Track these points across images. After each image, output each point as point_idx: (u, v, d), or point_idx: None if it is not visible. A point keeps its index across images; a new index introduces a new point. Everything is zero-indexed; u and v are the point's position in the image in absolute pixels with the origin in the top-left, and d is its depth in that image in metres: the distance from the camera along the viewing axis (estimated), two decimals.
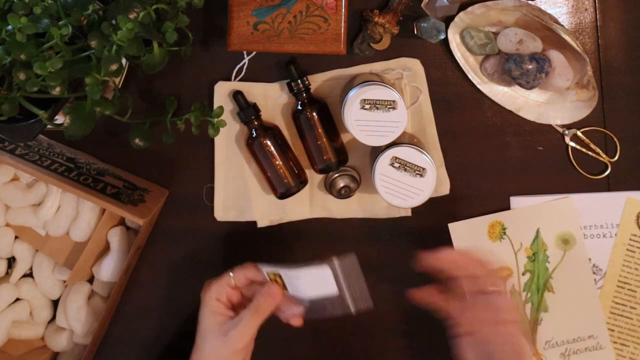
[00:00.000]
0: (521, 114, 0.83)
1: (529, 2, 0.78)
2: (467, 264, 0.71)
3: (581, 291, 0.85)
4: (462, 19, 0.79)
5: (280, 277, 0.72)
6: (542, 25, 0.77)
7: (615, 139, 0.85)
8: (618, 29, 0.84)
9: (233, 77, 0.84)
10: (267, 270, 0.73)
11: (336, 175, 0.82)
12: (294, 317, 0.74)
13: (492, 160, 0.85)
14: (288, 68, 0.80)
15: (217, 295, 0.74)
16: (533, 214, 0.85)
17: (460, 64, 0.82)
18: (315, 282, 0.71)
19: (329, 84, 0.83)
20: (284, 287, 0.73)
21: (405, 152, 0.76)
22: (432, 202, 0.83)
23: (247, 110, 0.80)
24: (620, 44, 0.84)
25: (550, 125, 0.84)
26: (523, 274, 0.85)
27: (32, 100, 0.67)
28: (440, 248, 0.71)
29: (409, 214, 0.85)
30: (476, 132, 0.85)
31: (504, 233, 0.85)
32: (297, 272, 0.71)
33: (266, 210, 0.84)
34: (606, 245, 0.85)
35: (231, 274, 0.75)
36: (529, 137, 0.85)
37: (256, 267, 0.75)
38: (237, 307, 0.75)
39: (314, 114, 0.80)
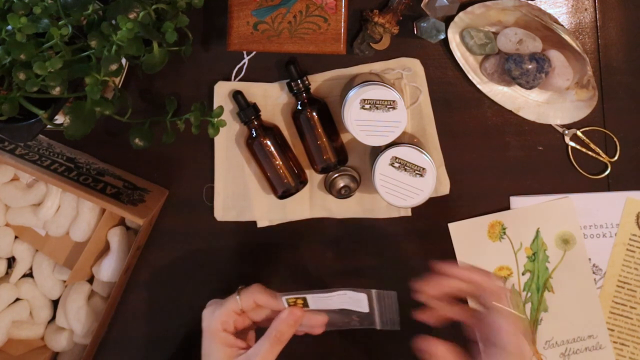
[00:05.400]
0: (521, 113, 0.83)
1: (529, 2, 0.78)
2: (471, 279, 0.67)
3: (581, 291, 0.85)
4: (462, 18, 0.79)
5: (304, 299, 0.67)
6: (542, 25, 0.77)
7: (615, 139, 0.85)
8: (618, 29, 0.84)
9: (233, 77, 0.84)
10: (287, 297, 0.68)
11: (336, 175, 0.82)
12: (315, 327, 0.69)
13: (492, 160, 0.85)
14: (288, 68, 0.80)
15: (224, 326, 0.67)
16: (533, 213, 0.85)
17: (460, 64, 0.82)
18: (346, 303, 0.67)
19: (329, 84, 0.83)
20: (305, 306, 0.69)
21: (405, 152, 0.76)
22: (432, 202, 0.83)
23: (247, 110, 0.80)
24: (620, 44, 0.84)
25: (550, 125, 0.84)
26: (523, 274, 0.85)
27: (32, 100, 0.67)
28: (434, 274, 0.68)
29: (409, 214, 0.85)
30: (476, 132, 0.85)
31: (504, 233, 0.85)
32: (328, 294, 0.67)
33: (266, 210, 0.85)
34: (606, 245, 0.85)
35: (237, 297, 0.68)
36: (529, 137, 0.85)
37: (263, 287, 0.69)
38: (242, 332, 0.70)
39: (314, 114, 0.80)
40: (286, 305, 0.68)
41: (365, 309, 0.68)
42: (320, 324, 0.69)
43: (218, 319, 0.67)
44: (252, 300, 0.68)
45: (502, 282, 0.67)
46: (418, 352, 0.66)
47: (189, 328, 0.87)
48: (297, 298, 0.68)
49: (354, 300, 0.67)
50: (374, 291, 0.67)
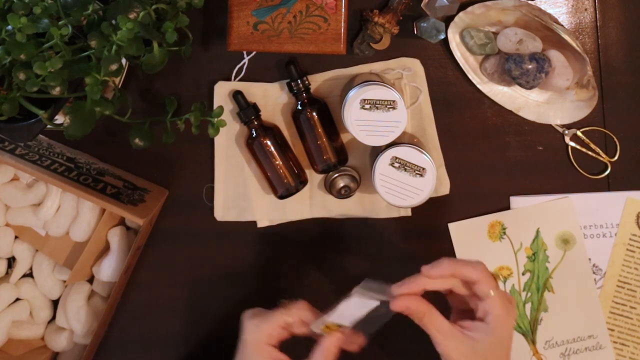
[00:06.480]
0: (521, 113, 0.83)
1: (529, 2, 0.78)
2: (458, 273, 0.66)
3: (581, 291, 0.85)
4: (462, 18, 0.79)
5: (334, 324, 0.68)
6: (542, 25, 0.77)
7: (615, 139, 0.85)
8: (618, 29, 0.84)
9: (233, 77, 0.84)
10: (318, 327, 0.67)
11: (336, 175, 0.82)
12: (353, 344, 0.69)
13: (492, 160, 0.85)
14: (288, 68, 0.80)
15: (269, 340, 0.67)
16: (533, 213, 0.85)
17: (460, 64, 0.82)
18: (355, 307, 0.68)
19: (329, 84, 0.83)
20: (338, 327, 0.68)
21: (405, 152, 0.76)
22: (432, 202, 0.83)
23: (247, 110, 0.80)
24: (620, 44, 0.84)
25: (550, 125, 0.84)
26: (523, 274, 0.85)
27: (32, 100, 0.67)
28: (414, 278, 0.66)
29: (409, 214, 0.85)
30: (476, 132, 0.85)
31: (504, 233, 0.85)
32: (339, 309, 0.67)
33: (266, 210, 0.85)
34: (606, 245, 0.85)
35: (283, 312, 0.68)
36: (529, 137, 0.85)
37: (309, 305, 0.69)
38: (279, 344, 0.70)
39: (314, 114, 0.80)
40: (322, 333, 0.68)
41: (372, 303, 0.67)
42: (358, 343, 0.69)
43: (264, 332, 0.67)
44: (300, 316, 0.68)
45: (483, 266, 0.66)
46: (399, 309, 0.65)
47: (190, 328, 0.87)
48: (326, 326, 0.67)
49: (358, 305, 0.67)
50: (354, 289, 0.66)
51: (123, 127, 0.76)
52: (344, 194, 0.82)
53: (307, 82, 0.80)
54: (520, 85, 0.79)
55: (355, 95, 0.74)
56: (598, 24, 0.84)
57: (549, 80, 0.80)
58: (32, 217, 0.83)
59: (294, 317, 0.68)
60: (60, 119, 0.69)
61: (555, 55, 0.79)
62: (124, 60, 0.75)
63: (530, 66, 0.77)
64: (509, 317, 0.64)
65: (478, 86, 0.83)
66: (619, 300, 0.85)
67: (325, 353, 0.66)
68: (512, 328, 0.65)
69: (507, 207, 0.85)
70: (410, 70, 0.82)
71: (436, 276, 0.66)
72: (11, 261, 0.86)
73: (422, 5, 0.80)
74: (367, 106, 0.74)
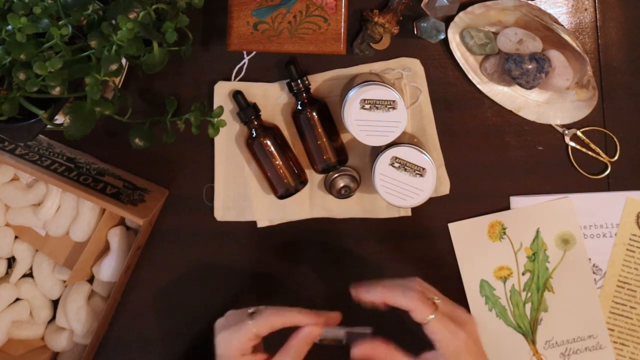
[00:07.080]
0: (521, 113, 0.83)
1: (529, 2, 0.78)
2: (390, 302, 0.67)
3: (581, 291, 0.85)
4: (462, 18, 0.79)
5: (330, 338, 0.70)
6: (542, 25, 0.77)
7: (615, 139, 0.85)
8: (618, 29, 0.84)
9: (233, 77, 0.84)
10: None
11: (336, 175, 0.82)
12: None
13: (492, 160, 0.85)
14: (288, 68, 0.80)
15: (241, 352, 0.67)
16: (533, 213, 0.85)
17: (460, 64, 0.82)
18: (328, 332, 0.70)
19: (329, 84, 0.83)
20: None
21: (405, 152, 0.76)
22: (432, 202, 0.83)
23: (247, 110, 0.80)
24: (620, 44, 0.84)
25: (550, 125, 0.84)
26: (523, 274, 0.85)
27: (32, 100, 0.67)
28: (368, 287, 0.69)
29: (409, 214, 0.85)
30: (476, 132, 0.85)
31: (504, 233, 0.85)
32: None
33: (266, 210, 0.85)
34: (606, 245, 0.85)
35: (251, 325, 0.67)
36: (529, 137, 0.85)
37: (276, 310, 0.69)
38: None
39: (314, 114, 0.80)
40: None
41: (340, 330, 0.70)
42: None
43: (235, 347, 0.67)
44: (269, 326, 0.68)
45: (416, 293, 0.67)
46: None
47: (190, 328, 0.87)
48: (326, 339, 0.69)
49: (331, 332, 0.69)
50: (343, 331, 0.68)
51: (123, 127, 0.76)
52: (344, 194, 0.82)
53: (307, 82, 0.80)
54: (520, 85, 0.79)
55: (355, 95, 0.74)
56: (598, 24, 0.84)
57: (549, 80, 0.80)
58: (32, 217, 0.83)
59: (263, 329, 0.68)
60: (60, 119, 0.69)
61: (555, 55, 0.79)
62: (124, 60, 0.75)
63: (530, 66, 0.77)
64: (455, 336, 0.65)
65: (478, 86, 0.83)
66: (619, 300, 0.85)
67: (304, 341, 0.67)
68: (464, 343, 0.65)
69: (507, 207, 0.85)
70: (410, 70, 0.82)
71: (367, 301, 0.68)
72: (11, 261, 0.86)
73: (422, 5, 0.80)
74: (367, 106, 0.74)
